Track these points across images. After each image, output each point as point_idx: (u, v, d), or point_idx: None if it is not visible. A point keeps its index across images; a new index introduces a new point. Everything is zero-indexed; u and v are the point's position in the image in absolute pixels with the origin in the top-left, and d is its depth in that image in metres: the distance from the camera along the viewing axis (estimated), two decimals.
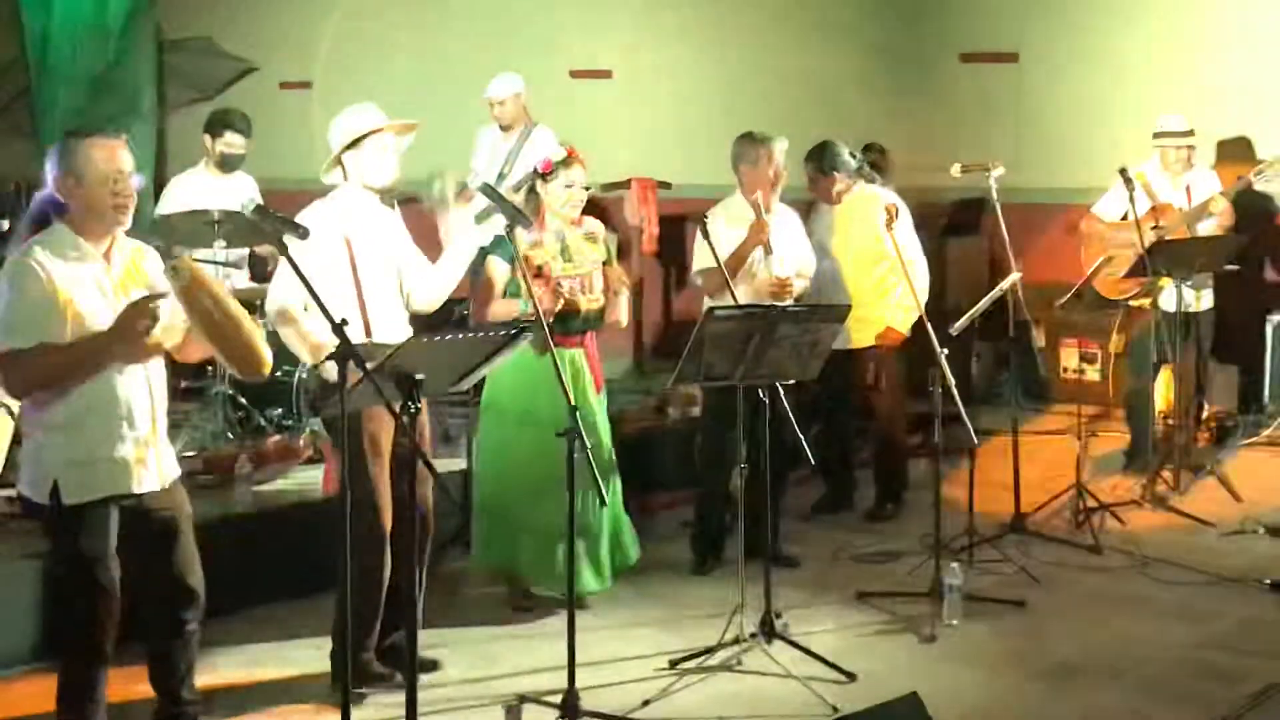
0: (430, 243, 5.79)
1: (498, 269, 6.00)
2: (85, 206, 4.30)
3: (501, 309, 5.95)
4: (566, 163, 6.04)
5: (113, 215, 4.33)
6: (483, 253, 6.04)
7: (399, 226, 5.56)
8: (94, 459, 4.29)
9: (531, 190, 6.10)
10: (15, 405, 6.68)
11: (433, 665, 5.50)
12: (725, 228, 6.53)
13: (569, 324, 5.99)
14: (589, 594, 6.15)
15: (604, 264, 6.16)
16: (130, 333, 4.22)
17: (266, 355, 4.42)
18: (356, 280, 5.25)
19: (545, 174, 6.04)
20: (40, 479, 4.30)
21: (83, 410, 4.28)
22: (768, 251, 6.52)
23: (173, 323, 4.41)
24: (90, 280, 4.29)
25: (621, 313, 6.22)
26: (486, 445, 6.22)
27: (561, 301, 5.90)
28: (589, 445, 4.93)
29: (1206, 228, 7.94)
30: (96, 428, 4.30)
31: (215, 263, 6.80)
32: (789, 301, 6.52)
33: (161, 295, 4.29)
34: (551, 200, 6.04)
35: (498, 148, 8.95)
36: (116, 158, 4.33)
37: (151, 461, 4.42)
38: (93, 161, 4.29)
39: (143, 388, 4.39)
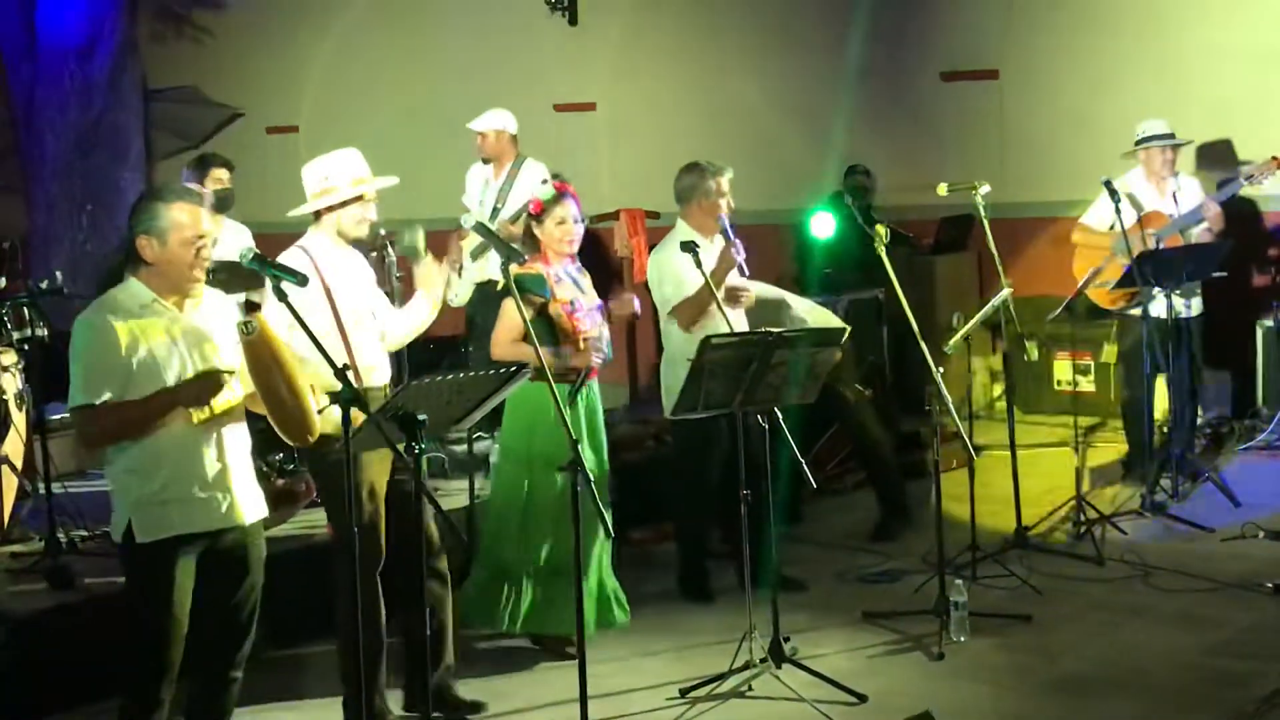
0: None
1: (512, 310, 5.80)
2: (165, 266, 4.36)
3: (516, 353, 5.79)
4: (557, 199, 6.05)
5: (191, 276, 4.39)
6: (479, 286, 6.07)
7: (366, 266, 5.58)
8: (165, 498, 4.34)
9: (529, 233, 6.11)
10: (18, 461, 6.75)
11: (475, 707, 5.51)
12: (681, 253, 6.37)
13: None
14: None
15: None
16: (198, 399, 4.33)
17: (316, 424, 4.46)
18: (340, 325, 5.27)
19: (537, 215, 6.06)
20: (117, 520, 4.38)
21: (155, 451, 4.33)
22: (742, 273, 6.53)
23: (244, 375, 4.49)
24: (161, 329, 4.35)
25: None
26: (507, 494, 6.12)
27: (600, 358, 5.96)
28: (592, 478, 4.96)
29: (1197, 234, 7.99)
30: (166, 468, 4.34)
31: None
32: (743, 310, 6.59)
33: (231, 371, 4.37)
34: (548, 239, 6.05)
35: (489, 185, 8.99)
36: (199, 222, 4.38)
37: (225, 501, 4.44)
38: (176, 225, 4.34)
39: (212, 428, 4.42)
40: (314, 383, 5.21)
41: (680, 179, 6.77)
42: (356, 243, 5.45)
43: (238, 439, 4.51)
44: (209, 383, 4.34)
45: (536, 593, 5.99)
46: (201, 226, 4.38)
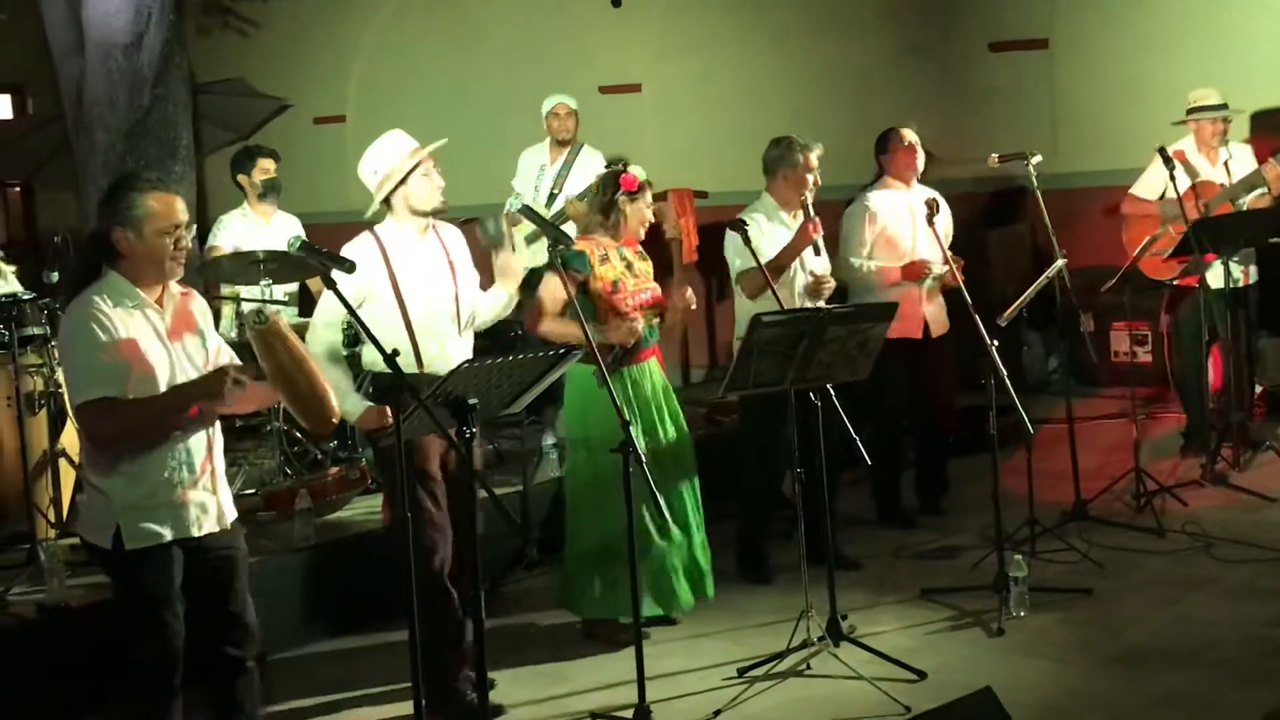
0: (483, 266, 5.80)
1: (554, 284, 5.88)
2: (142, 258, 4.29)
3: (560, 329, 5.87)
4: (648, 184, 6.07)
5: (169, 267, 4.33)
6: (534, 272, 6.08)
7: (457, 246, 5.56)
8: (155, 503, 4.31)
9: (612, 205, 6.04)
10: (75, 454, 6.79)
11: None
12: (766, 224, 6.59)
13: (643, 339, 6.01)
14: (686, 607, 6.13)
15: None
16: (218, 393, 4.25)
17: (335, 408, 4.41)
18: (404, 310, 5.28)
19: (631, 192, 6.02)
20: (102, 524, 4.31)
21: (143, 455, 4.29)
22: (816, 252, 6.55)
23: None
24: (149, 328, 4.30)
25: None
26: (575, 480, 6.12)
27: (634, 339, 5.90)
28: (646, 460, 4.91)
29: (1251, 199, 7.88)
30: (157, 473, 4.30)
31: (265, 301, 6.85)
32: (824, 299, 6.57)
33: (244, 366, 4.33)
34: (633, 218, 6.05)
35: (545, 170, 8.99)
36: (175, 211, 4.31)
37: (211, 505, 4.43)
38: (151, 215, 4.27)
39: (201, 432, 4.42)
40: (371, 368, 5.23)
41: (768, 151, 6.77)
42: (438, 215, 5.43)
43: (217, 441, 4.48)
44: (226, 377, 4.27)
45: (615, 577, 5.91)
46: (177, 215, 4.31)
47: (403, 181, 5.30)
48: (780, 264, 6.49)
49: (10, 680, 5.44)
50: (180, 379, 4.32)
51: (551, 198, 8.78)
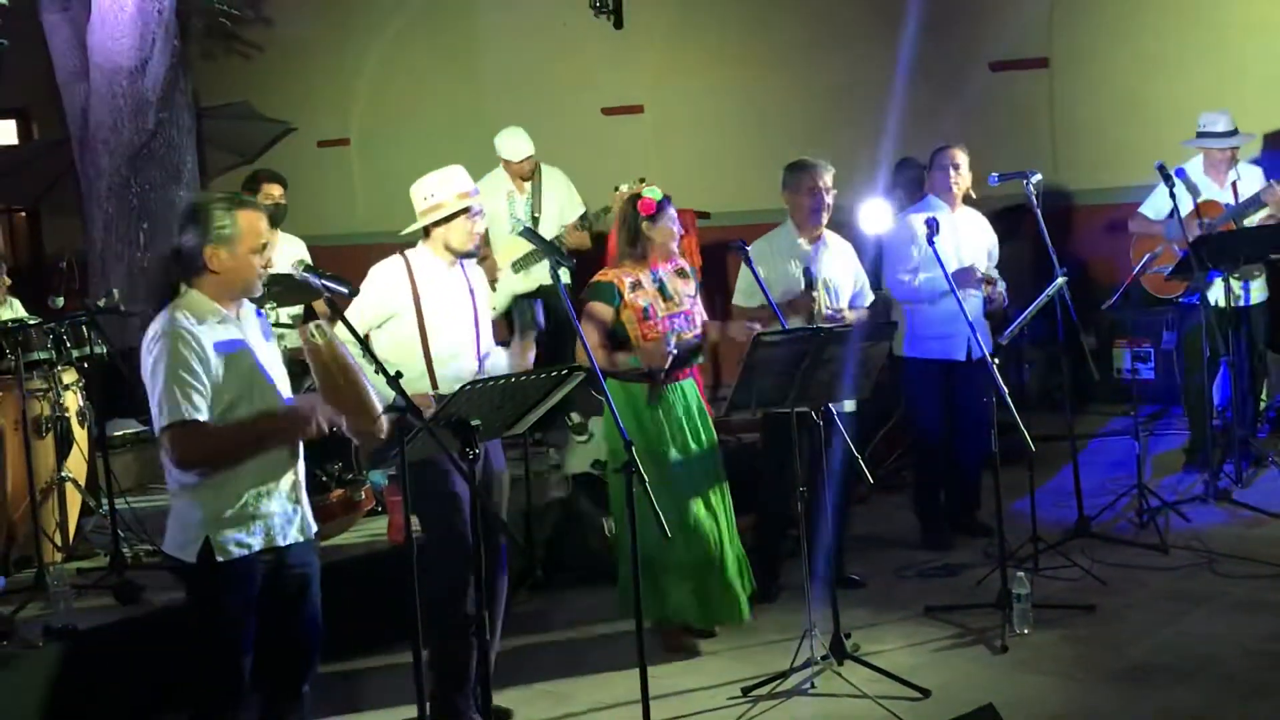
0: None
1: (590, 323, 5.89)
2: (233, 273, 4.29)
3: (601, 360, 5.75)
4: (667, 199, 6.00)
5: (255, 283, 4.35)
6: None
7: (480, 283, 5.60)
8: (244, 514, 4.28)
9: (637, 232, 5.97)
10: (81, 477, 6.82)
11: (506, 714, 5.52)
12: (770, 254, 6.56)
13: (678, 359, 5.99)
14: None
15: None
16: (305, 432, 4.30)
17: (381, 422, 4.38)
18: (423, 333, 5.32)
19: (651, 215, 5.95)
20: (190, 539, 4.26)
21: (238, 467, 4.27)
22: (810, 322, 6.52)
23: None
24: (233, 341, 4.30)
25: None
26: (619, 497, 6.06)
27: (670, 359, 5.89)
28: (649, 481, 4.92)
29: (1257, 219, 7.89)
30: (246, 482, 4.29)
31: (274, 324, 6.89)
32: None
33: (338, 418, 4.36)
34: (660, 239, 5.98)
35: (515, 197, 8.95)
36: (261, 229, 4.32)
37: (295, 515, 4.43)
38: (245, 233, 4.27)
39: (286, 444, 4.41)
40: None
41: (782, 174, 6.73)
42: (467, 256, 5.49)
43: (301, 451, 4.49)
44: (312, 409, 4.31)
45: (680, 584, 5.96)
46: (264, 234, 4.34)
47: (448, 220, 5.36)
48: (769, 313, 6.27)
49: (21, 702, 5.45)
50: (267, 388, 4.33)
51: (535, 221, 8.79)
